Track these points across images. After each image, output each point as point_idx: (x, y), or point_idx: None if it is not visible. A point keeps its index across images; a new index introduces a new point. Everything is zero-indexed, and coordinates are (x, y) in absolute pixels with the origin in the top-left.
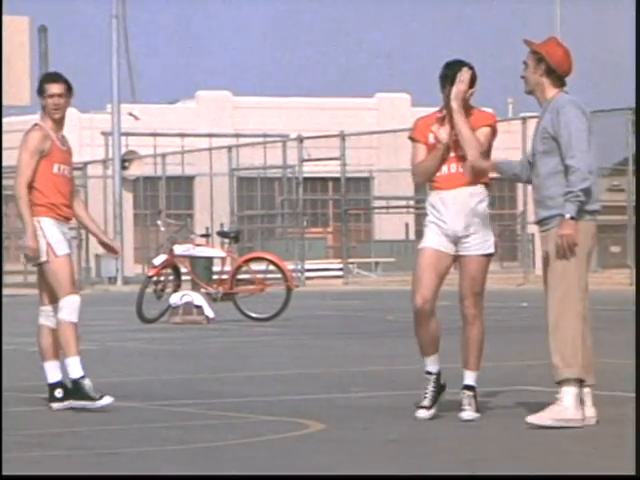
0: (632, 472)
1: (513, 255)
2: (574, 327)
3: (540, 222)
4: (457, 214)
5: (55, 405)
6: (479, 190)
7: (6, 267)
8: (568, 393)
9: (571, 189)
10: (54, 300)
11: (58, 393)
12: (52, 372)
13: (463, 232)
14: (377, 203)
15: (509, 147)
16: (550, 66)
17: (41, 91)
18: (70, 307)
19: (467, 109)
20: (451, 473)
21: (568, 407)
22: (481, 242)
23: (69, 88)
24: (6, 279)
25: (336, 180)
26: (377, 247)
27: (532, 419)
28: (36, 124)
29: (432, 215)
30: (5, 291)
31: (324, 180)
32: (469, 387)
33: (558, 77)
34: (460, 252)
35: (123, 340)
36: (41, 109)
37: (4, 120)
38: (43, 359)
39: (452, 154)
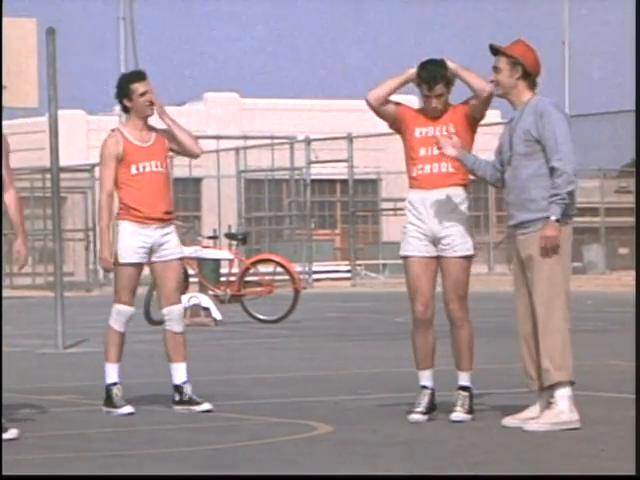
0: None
1: None
2: (562, 331)
3: (519, 225)
4: (436, 215)
5: (175, 407)
6: (459, 192)
7: (15, 269)
8: (562, 397)
9: (557, 191)
10: (163, 305)
11: (176, 396)
12: (176, 374)
13: (441, 233)
14: (385, 205)
15: None
16: (526, 69)
17: (127, 93)
18: (116, 316)
19: (445, 108)
20: (460, 474)
21: (563, 410)
22: (460, 243)
23: None
24: (14, 281)
25: (344, 182)
26: (385, 249)
27: (530, 427)
28: (113, 129)
29: (410, 214)
30: (14, 293)
31: (332, 182)
32: (463, 387)
33: (532, 80)
34: (440, 253)
35: (131, 342)
36: (125, 111)
37: (11, 122)
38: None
39: (436, 152)
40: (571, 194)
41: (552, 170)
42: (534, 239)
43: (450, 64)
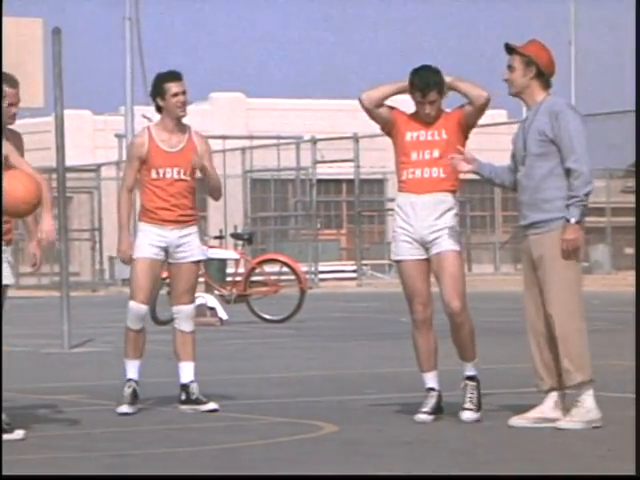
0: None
1: None
2: (580, 330)
3: (532, 225)
4: (425, 220)
5: (182, 407)
6: (448, 198)
7: (20, 269)
8: (588, 395)
9: (576, 194)
10: (173, 304)
11: (182, 395)
12: (183, 373)
13: (429, 237)
14: (391, 205)
15: None
16: (540, 69)
17: (160, 92)
18: (129, 312)
19: (439, 113)
20: (464, 474)
21: (591, 409)
22: (450, 240)
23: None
24: (20, 281)
25: (350, 182)
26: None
27: (563, 424)
28: (145, 127)
29: (399, 218)
30: (19, 293)
31: (338, 182)
32: (470, 377)
33: (546, 79)
34: (431, 253)
35: None
36: (159, 110)
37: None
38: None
39: (427, 157)
40: (588, 195)
41: (568, 171)
42: (547, 239)
43: (447, 78)
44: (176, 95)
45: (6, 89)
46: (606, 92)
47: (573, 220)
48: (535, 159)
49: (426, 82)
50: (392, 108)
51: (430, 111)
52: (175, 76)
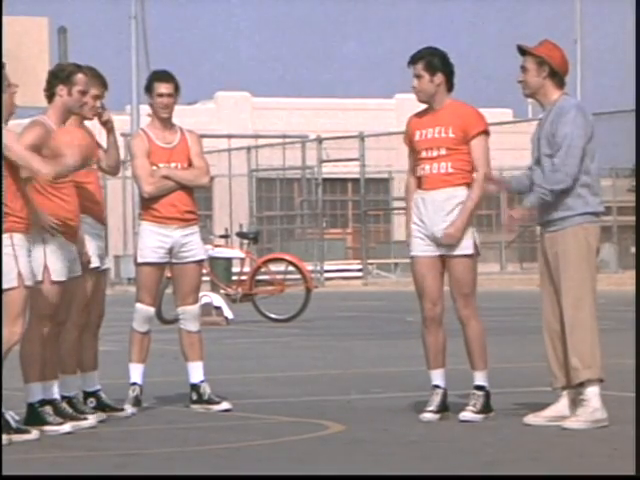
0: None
1: (533, 256)
2: (591, 328)
3: (546, 223)
4: (435, 215)
5: (193, 406)
6: (459, 192)
7: None
8: (594, 395)
9: (543, 185)
10: (178, 304)
11: (194, 395)
12: (193, 373)
13: (439, 233)
14: (396, 204)
15: (528, 148)
16: (553, 68)
17: (149, 90)
18: (134, 315)
19: (440, 101)
20: (471, 474)
21: (597, 408)
22: (462, 243)
23: (177, 87)
24: None
25: (355, 181)
26: (396, 248)
27: (569, 424)
28: (141, 128)
29: (414, 215)
30: None
31: (343, 181)
32: (478, 387)
33: (560, 78)
34: (442, 252)
35: None
36: (150, 107)
37: (23, 121)
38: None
39: (434, 154)
40: (555, 193)
41: (551, 164)
42: (560, 237)
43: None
44: (160, 96)
45: (97, 91)
46: (612, 91)
47: (528, 204)
48: (546, 159)
49: (415, 55)
50: (407, 139)
51: (415, 85)
52: (164, 77)
